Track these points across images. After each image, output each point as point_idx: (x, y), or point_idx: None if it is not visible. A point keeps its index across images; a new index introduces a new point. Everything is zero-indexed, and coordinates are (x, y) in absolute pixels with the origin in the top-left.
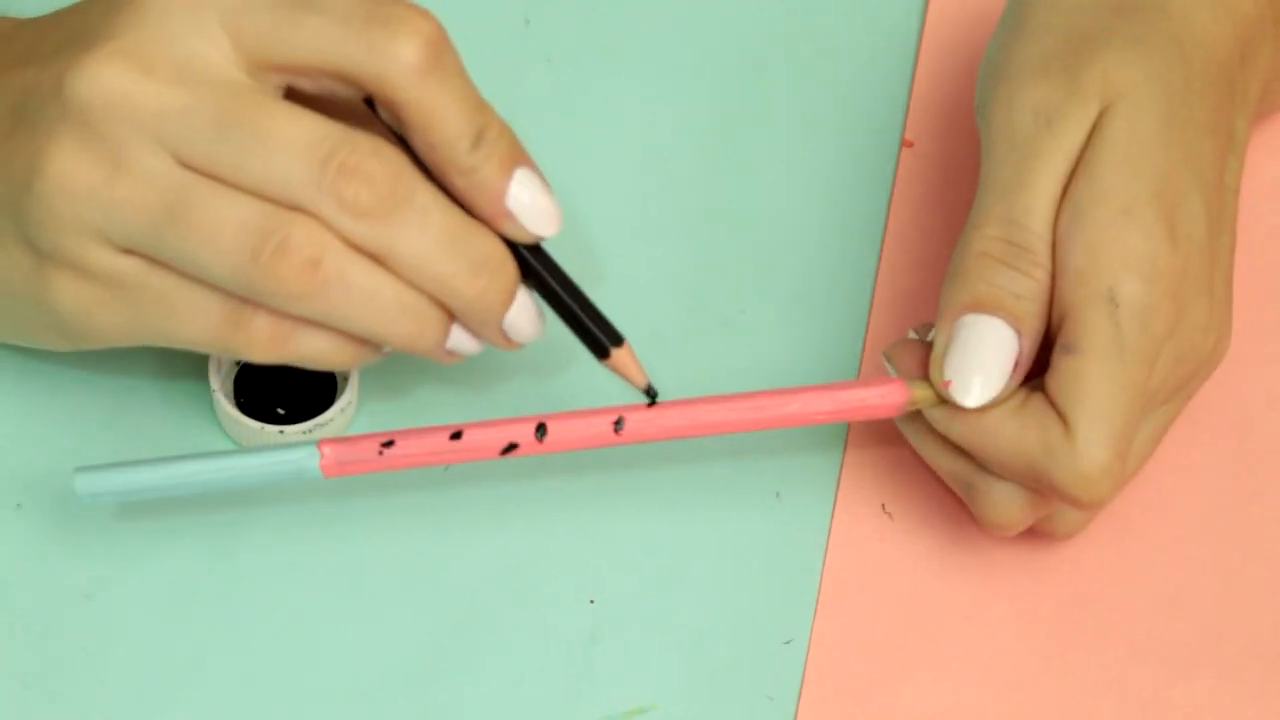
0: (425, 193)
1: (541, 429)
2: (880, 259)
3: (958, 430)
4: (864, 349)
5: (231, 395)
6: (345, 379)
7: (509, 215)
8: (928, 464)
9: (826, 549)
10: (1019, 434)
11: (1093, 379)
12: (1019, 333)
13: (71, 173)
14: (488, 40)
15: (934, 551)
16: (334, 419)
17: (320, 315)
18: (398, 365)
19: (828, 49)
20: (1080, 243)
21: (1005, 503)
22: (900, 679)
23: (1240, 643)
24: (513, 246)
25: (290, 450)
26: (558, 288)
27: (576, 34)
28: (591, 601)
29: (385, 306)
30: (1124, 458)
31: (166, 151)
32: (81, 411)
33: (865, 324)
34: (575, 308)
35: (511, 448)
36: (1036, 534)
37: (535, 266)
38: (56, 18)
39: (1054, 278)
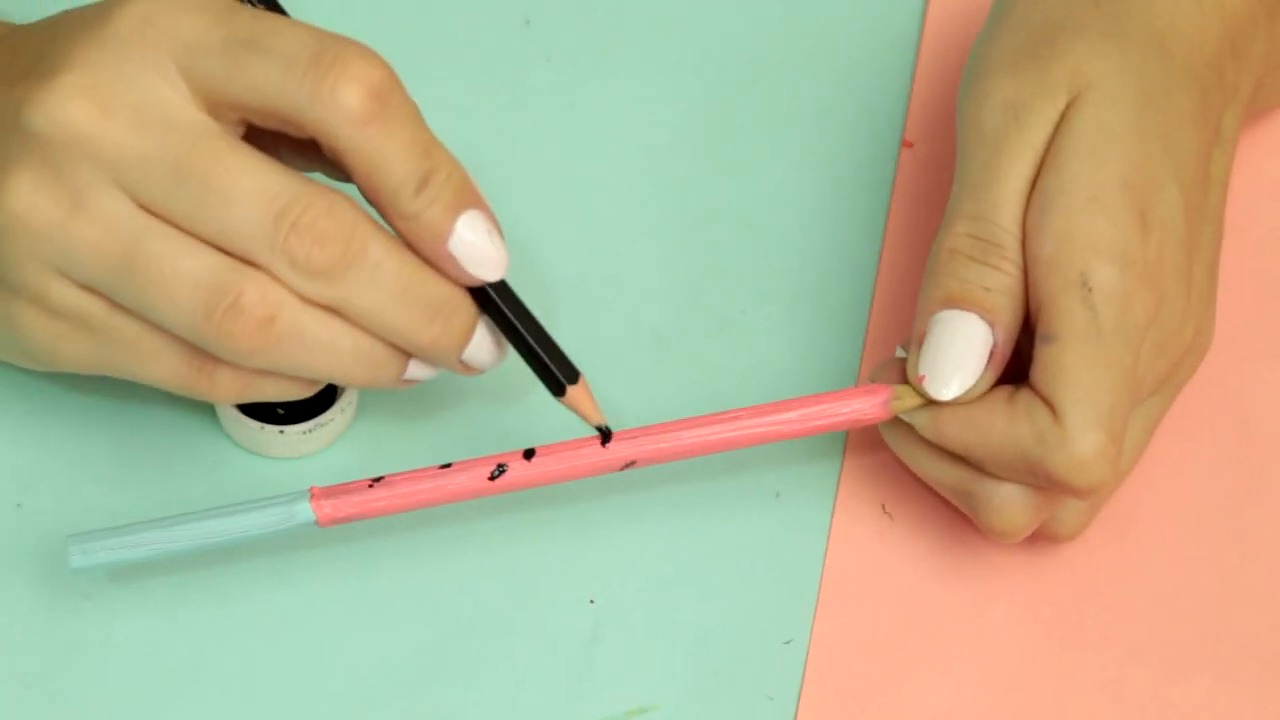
0: (378, 246)
1: (530, 453)
2: (880, 259)
3: (949, 434)
4: (864, 349)
5: None
6: None
7: (451, 259)
8: (927, 481)
9: (826, 549)
10: (1010, 426)
11: (1073, 364)
12: (992, 325)
13: (31, 208)
14: (488, 40)
15: (934, 551)
16: (334, 419)
17: (276, 367)
18: None
19: (828, 49)
20: (1049, 232)
21: (1008, 507)
22: (900, 679)
23: (1239, 643)
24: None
25: (282, 501)
26: (515, 324)
27: (576, 34)
28: (592, 602)
29: (341, 355)
30: (1117, 440)
31: (125, 194)
32: (82, 412)
33: (865, 324)
34: (532, 344)
35: (500, 470)
36: (1037, 536)
37: (491, 304)
38: (26, 36)
39: (1027, 271)
